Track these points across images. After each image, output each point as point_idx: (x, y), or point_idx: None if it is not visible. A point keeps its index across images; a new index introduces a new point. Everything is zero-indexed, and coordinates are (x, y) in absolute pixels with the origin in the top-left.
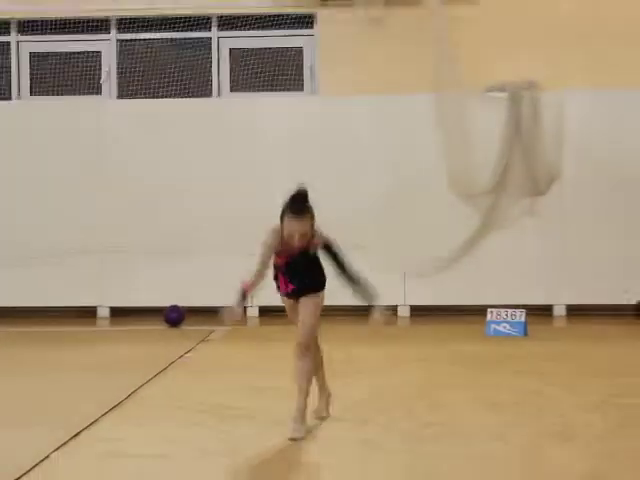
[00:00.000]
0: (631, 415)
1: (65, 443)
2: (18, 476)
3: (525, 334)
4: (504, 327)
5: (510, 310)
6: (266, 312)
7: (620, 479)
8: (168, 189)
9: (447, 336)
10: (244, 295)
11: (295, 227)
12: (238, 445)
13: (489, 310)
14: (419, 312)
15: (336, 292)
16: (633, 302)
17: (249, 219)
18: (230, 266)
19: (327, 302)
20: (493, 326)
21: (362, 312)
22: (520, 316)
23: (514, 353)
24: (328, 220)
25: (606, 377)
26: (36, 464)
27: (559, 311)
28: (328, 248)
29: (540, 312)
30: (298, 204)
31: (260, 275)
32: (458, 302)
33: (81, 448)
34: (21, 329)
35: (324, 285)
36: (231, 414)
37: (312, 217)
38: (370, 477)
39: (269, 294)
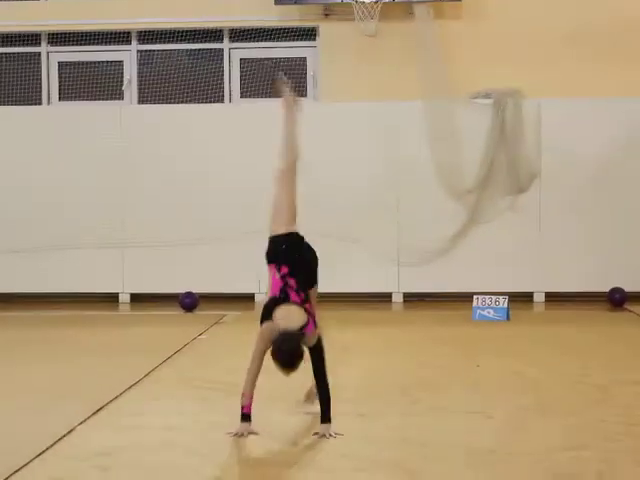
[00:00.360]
0: (602, 392)
1: (89, 417)
2: (49, 445)
3: (508, 319)
4: (488, 312)
5: (494, 297)
6: None
7: (591, 446)
8: (182, 185)
9: (437, 321)
10: (247, 416)
11: (283, 374)
12: None
13: (475, 297)
14: (411, 299)
15: (332, 280)
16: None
17: (256, 212)
18: (239, 256)
19: (325, 289)
20: (479, 311)
21: (358, 298)
22: (503, 302)
23: (497, 336)
24: (328, 215)
25: (580, 357)
26: (63, 435)
27: (539, 298)
28: (315, 350)
29: (521, 299)
30: (288, 362)
31: (253, 389)
32: (447, 289)
33: (103, 421)
34: (52, 313)
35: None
36: (240, 391)
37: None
38: (369, 445)
39: None
